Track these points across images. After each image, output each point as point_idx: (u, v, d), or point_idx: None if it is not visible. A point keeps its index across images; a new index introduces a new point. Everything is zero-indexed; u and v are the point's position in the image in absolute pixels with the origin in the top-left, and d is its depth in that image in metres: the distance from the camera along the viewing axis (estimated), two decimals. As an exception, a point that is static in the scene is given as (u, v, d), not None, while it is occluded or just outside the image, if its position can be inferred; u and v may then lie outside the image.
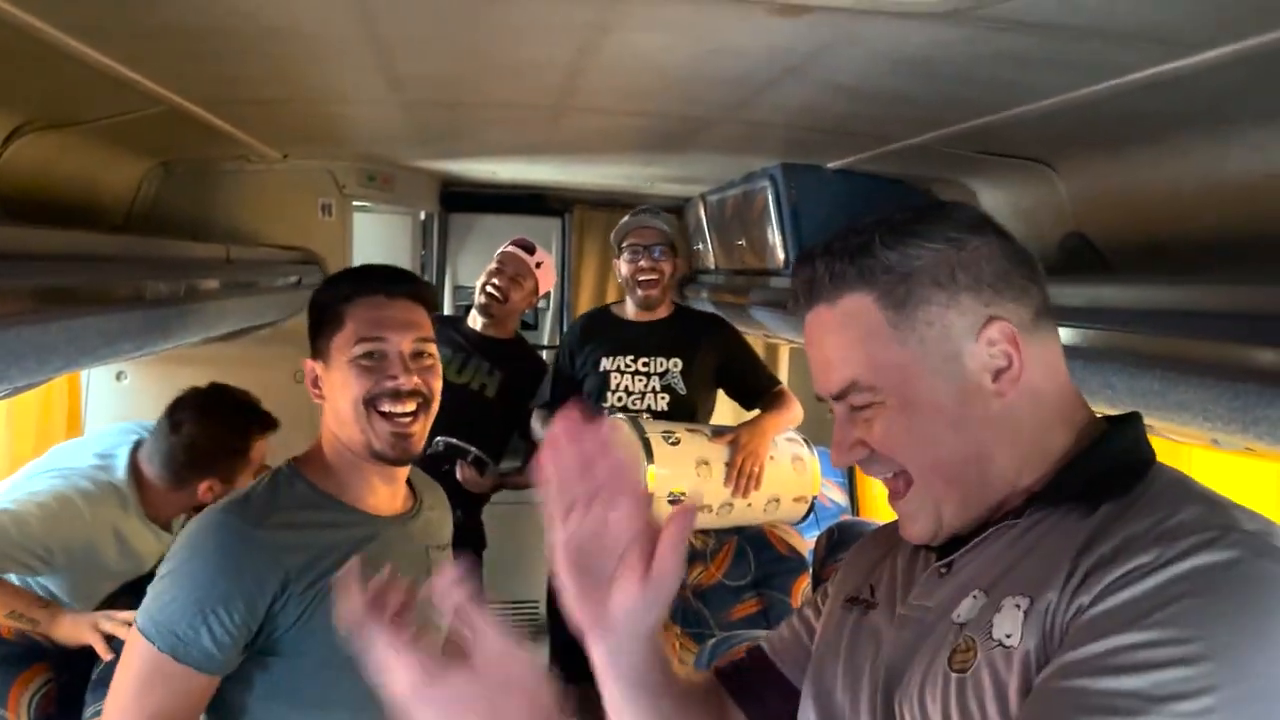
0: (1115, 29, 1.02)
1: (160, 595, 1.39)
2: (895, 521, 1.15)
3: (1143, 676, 0.71)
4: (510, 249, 3.11)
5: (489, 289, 3.05)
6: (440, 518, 1.74)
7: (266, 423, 2.27)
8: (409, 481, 1.66)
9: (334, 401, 1.54)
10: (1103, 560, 0.80)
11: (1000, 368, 0.89)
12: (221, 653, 1.39)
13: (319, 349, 1.56)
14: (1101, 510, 0.86)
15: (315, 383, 1.57)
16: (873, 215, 0.95)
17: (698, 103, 1.76)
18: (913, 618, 0.96)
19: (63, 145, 1.87)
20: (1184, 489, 0.86)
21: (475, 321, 3.12)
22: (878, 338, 0.91)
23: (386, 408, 1.50)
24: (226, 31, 1.29)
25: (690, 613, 2.57)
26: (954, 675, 0.86)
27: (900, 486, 0.96)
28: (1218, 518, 0.79)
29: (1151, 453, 0.92)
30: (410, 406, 1.52)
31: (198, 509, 2.20)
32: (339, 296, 1.54)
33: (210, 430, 2.14)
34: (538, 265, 3.10)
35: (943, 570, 0.96)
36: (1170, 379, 1.02)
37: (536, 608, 3.82)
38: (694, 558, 2.60)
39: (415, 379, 1.52)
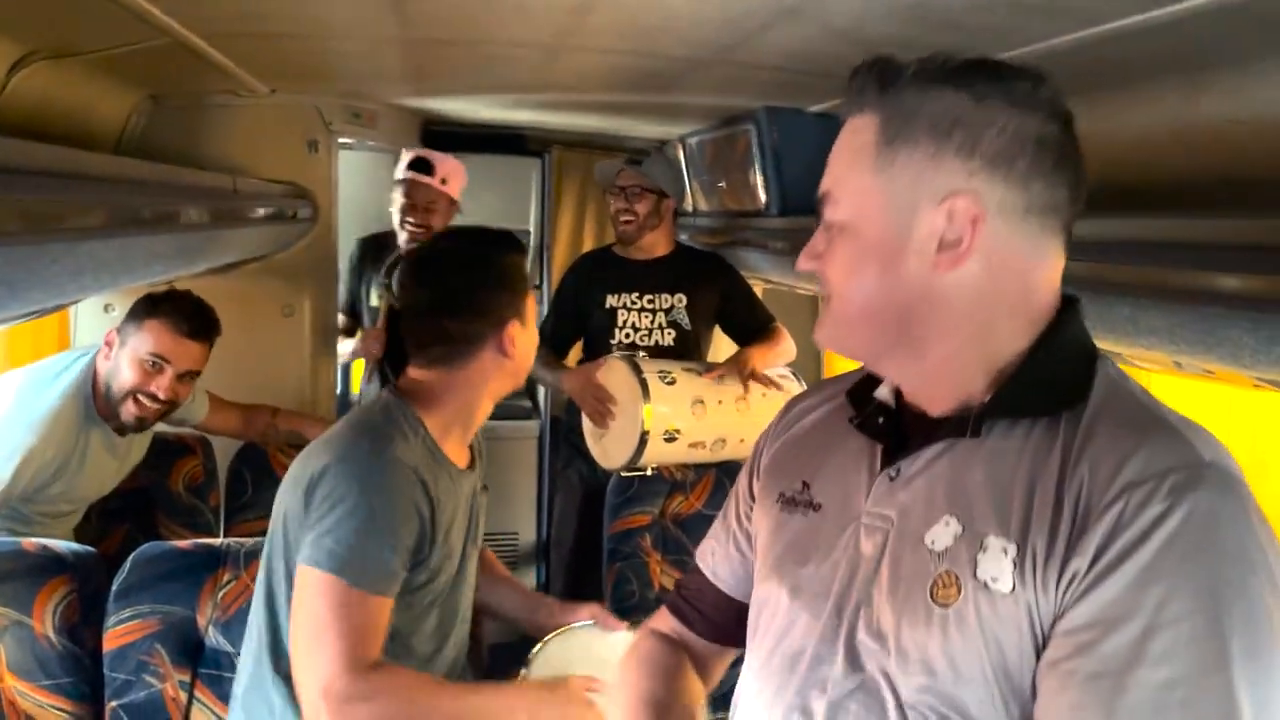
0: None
1: (337, 531, 1.40)
2: (815, 398, 1.16)
3: (1171, 664, 0.74)
4: (410, 177, 3.04)
5: (408, 228, 3.05)
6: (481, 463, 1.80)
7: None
8: None
9: (522, 353, 1.62)
10: (1089, 507, 0.81)
11: (948, 241, 0.87)
12: (400, 574, 1.45)
13: (517, 311, 1.61)
14: (1064, 425, 0.87)
15: (513, 342, 1.60)
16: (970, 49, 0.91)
17: (692, 43, 1.81)
18: (875, 528, 0.95)
19: (62, 76, 1.88)
20: (1131, 400, 0.88)
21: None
22: (862, 160, 0.91)
23: None
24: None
25: (670, 541, 2.67)
26: (936, 609, 0.86)
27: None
28: (1184, 449, 0.81)
29: (1093, 345, 0.93)
30: None
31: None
32: (520, 260, 1.67)
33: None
34: (443, 182, 3.05)
35: (892, 475, 0.95)
36: (1142, 305, 1.10)
37: (516, 539, 3.94)
38: (674, 488, 2.70)
39: None
